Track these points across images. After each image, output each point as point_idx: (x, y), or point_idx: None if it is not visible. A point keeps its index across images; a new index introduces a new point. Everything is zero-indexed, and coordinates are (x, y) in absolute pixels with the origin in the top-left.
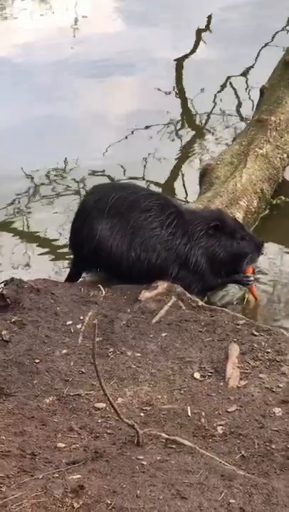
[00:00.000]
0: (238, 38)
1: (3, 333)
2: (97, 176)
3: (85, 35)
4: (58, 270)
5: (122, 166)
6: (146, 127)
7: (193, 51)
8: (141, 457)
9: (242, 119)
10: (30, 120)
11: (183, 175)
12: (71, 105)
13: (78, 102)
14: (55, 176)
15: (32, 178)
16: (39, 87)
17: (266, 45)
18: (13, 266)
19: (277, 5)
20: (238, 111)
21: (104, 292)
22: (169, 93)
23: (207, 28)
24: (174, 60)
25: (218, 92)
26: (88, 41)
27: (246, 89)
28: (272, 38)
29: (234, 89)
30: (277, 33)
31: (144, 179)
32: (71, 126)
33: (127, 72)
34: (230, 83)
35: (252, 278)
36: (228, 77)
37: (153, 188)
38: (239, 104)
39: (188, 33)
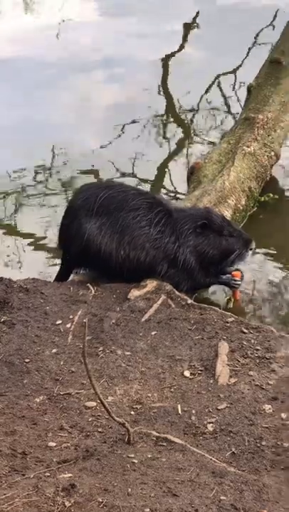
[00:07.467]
0: (226, 35)
1: None
2: (86, 174)
3: (69, 33)
4: (47, 269)
5: (112, 164)
6: (132, 122)
7: (180, 49)
8: (132, 455)
9: (230, 117)
10: (15, 119)
11: (170, 173)
12: (56, 103)
13: (64, 100)
14: (43, 174)
15: (20, 177)
16: (24, 85)
17: (255, 42)
18: (2, 265)
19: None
20: (225, 109)
21: (93, 291)
22: (157, 91)
23: (194, 22)
24: (161, 60)
25: (206, 89)
26: (74, 39)
27: (233, 87)
28: (257, 35)
29: (220, 88)
30: (262, 29)
31: (133, 176)
32: (57, 125)
33: (113, 69)
34: (218, 81)
35: (239, 282)
36: (217, 76)
37: (141, 186)
38: (227, 103)
39: (176, 30)
